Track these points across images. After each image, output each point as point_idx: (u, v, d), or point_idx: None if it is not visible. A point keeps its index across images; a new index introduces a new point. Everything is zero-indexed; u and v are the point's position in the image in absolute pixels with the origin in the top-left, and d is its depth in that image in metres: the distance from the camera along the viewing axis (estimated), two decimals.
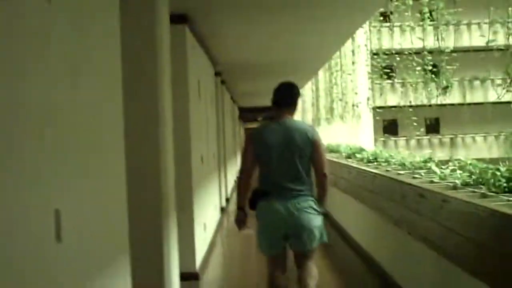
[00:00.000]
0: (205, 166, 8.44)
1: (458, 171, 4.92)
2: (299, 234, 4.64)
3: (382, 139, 32.07)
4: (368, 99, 12.33)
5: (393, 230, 5.88)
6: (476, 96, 30.88)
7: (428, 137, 33.07)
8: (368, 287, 6.75)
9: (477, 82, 31.28)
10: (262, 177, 4.84)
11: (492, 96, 31.36)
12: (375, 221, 6.82)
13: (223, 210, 12.15)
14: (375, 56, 10.86)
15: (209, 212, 9.16)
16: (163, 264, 4.68)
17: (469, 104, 28.48)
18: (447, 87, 6.68)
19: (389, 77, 10.88)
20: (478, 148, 33.19)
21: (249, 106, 30.10)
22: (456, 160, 5.43)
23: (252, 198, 4.82)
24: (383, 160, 7.97)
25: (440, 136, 33.66)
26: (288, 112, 4.86)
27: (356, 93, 11.66)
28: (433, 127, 32.87)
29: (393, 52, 9.34)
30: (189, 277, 6.83)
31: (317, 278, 4.80)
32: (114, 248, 3.39)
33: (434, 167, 5.36)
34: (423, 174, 5.66)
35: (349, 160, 9.56)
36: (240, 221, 4.89)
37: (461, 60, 7.54)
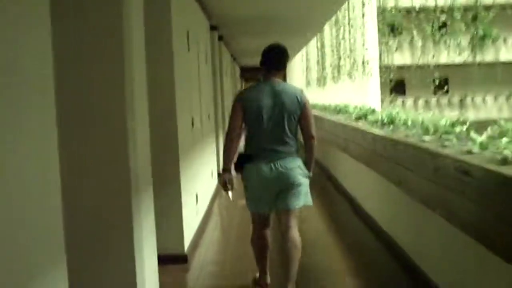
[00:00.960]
0: (197, 129, 7.44)
1: (504, 139, 3.90)
2: (287, 190, 4.69)
3: (389, 99, 31.07)
4: (380, 55, 11.25)
5: (419, 209, 4.88)
6: (486, 55, 29.82)
7: (436, 97, 32.12)
8: (384, 271, 5.77)
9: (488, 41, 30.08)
10: (249, 139, 4.83)
11: (503, 56, 30.46)
12: (397, 197, 5.78)
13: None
14: (382, 14, 10.12)
15: (203, 181, 8.20)
16: (134, 249, 3.70)
17: (479, 64, 27.53)
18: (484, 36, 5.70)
19: (398, 34, 10.12)
20: (488, 108, 32.20)
21: (251, 65, 28.81)
22: (494, 122, 4.49)
23: (238, 162, 4.83)
24: (401, 123, 6.98)
25: (449, 97, 32.54)
26: (277, 75, 4.87)
27: (366, 49, 10.57)
28: (442, 87, 31.99)
29: (400, 10, 8.63)
30: (176, 259, 5.89)
31: (300, 248, 4.73)
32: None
33: (473, 134, 4.33)
34: (454, 141, 4.65)
35: (360, 122, 8.55)
36: (226, 183, 4.85)
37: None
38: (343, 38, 12.09)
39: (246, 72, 32.36)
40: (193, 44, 7.61)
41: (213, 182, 9.78)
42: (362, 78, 12.19)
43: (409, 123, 6.93)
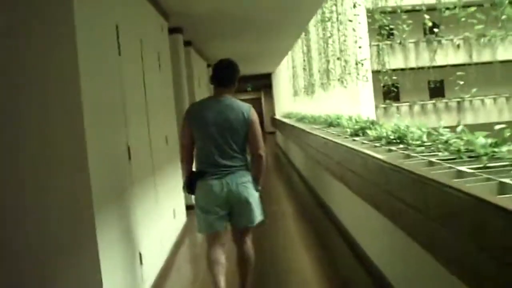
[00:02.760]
0: (138, 162, 5.50)
1: None
2: (239, 209, 4.72)
3: (383, 106, 29.32)
4: (371, 59, 9.39)
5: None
6: (483, 55, 28.18)
7: (433, 101, 30.32)
8: None
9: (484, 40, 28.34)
10: (198, 154, 4.83)
11: (501, 55, 28.68)
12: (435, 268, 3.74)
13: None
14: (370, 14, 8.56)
15: (154, 233, 6.27)
16: None
17: (476, 64, 25.94)
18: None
19: (389, 36, 8.73)
20: (487, 111, 30.38)
21: None
22: None
23: (189, 182, 4.81)
24: (414, 140, 5.10)
25: (446, 100, 30.73)
26: (226, 91, 4.85)
27: (360, 47, 8.67)
28: (437, 91, 30.34)
29: (390, 11, 7.41)
30: None
31: (253, 262, 4.95)
32: None
33: None
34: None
35: (357, 139, 6.65)
36: (189, 186, 4.83)
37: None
38: (331, 35, 10.19)
39: None
40: (133, 47, 5.71)
41: (176, 223, 7.78)
42: (355, 84, 10.34)
43: (425, 139, 5.09)
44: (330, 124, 9.89)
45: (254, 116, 4.82)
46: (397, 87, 30.88)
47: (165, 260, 6.45)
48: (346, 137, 7.16)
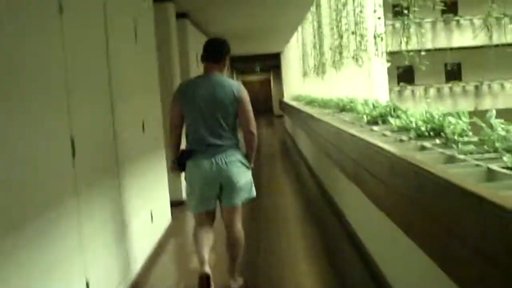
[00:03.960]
0: (99, 156, 4.22)
1: None
2: (229, 187, 4.66)
3: (397, 89, 27.90)
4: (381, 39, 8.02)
5: None
6: (503, 36, 26.57)
7: (449, 85, 28.82)
8: None
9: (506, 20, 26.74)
10: (188, 133, 4.79)
11: None
12: None
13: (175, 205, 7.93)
14: None
15: (104, 257, 4.99)
16: None
17: (496, 45, 24.44)
18: None
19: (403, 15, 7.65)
20: (506, 96, 28.81)
21: (243, 54, 25.57)
22: None
23: (179, 160, 4.76)
24: (457, 133, 3.79)
25: (463, 84, 29.24)
26: (216, 68, 4.80)
27: (379, 18, 7.33)
28: (454, 74, 28.91)
29: None
30: None
31: (243, 243, 4.87)
32: None
33: None
34: None
35: (376, 128, 5.36)
36: (174, 168, 4.87)
37: None
38: (345, 4, 8.84)
39: (239, 63, 28.95)
40: (89, 8, 4.43)
41: (154, 228, 6.40)
42: (371, 62, 9.07)
43: (470, 135, 3.83)
44: (343, 109, 8.61)
45: (244, 93, 4.77)
46: (411, 69, 29.53)
47: (132, 280, 5.17)
48: (362, 126, 5.85)
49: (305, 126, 11.17)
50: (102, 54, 4.71)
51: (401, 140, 4.25)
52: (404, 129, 4.73)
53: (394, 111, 5.77)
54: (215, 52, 4.82)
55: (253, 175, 4.91)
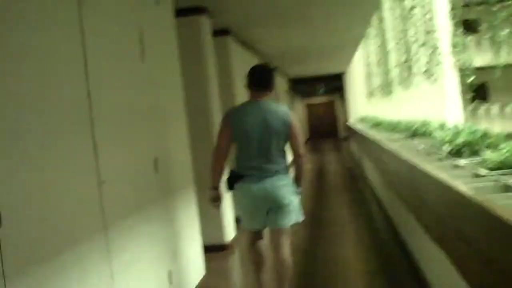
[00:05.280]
0: (66, 218, 2.92)
1: None
2: (277, 208, 4.67)
3: (470, 108, 25.90)
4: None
5: None
6: None
7: None
8: None
9: None
10: (237, 158, 4.82)
11: None
12: None
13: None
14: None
15: None
16: None
17: None
18: None
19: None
20: None
21: (304, 76, 24.23)
22: None
23: (229, 180, 4.77)
24: None
25: None
26: (264, 94, 4.83)
27: (454, 24, 5.88)
28: None
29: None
30: None
31: (291, 266, 4.78)
32: None
33: None
34: None
35: (462, 163, 3.88)
36: (214, 199, 4.87)
37: None
38: (412, 9, 7.40)
39: (301, 85, 27.57)
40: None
41: None
42: (443, 78, 7.67)
43: None
44: (414, 134, 7.16)
45: (294, 118, 4.83)
46: (484, 86, 27.52)
47: None
48: (441, 159, 4.39)
49: (372, 154, 9.65)
50: (72, 74, 3.42)
51: (509, 188, 2.78)
52: (505, 165, 3.27)
53: (485, 137, 4.29)
54: (263, 80, 4.84)
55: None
